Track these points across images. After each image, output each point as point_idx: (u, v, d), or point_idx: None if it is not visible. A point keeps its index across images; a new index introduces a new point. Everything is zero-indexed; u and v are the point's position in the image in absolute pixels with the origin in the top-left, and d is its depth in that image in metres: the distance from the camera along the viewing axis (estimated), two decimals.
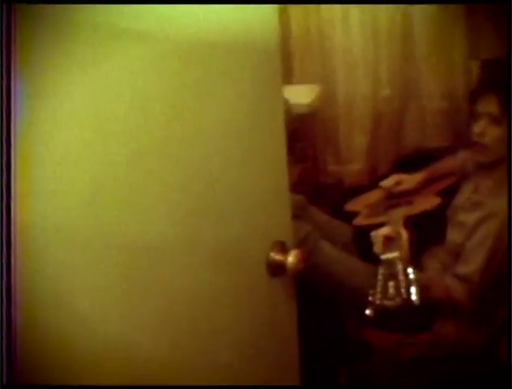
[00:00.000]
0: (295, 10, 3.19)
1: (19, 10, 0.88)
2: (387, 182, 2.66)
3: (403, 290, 1.44)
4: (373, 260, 1.80)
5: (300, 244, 2.10)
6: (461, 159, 2.55)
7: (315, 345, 2.08)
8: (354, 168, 3.29)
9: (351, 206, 2.67)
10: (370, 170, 3.27)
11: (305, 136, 3.24)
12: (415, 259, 2.12)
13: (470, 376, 2.08)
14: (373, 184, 2.81)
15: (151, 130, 1.13)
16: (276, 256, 1.37)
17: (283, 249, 1.38)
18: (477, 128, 2.14)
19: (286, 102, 2.33)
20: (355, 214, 2.57)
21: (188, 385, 1.22)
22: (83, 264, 1.04)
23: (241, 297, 1.37)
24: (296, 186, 2.85)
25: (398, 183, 2.62)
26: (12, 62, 0.86)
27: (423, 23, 3.12)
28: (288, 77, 3.24)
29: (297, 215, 2.33)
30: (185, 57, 1.17)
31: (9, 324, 0.90)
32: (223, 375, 1.35)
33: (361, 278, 2.03)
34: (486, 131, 2.11)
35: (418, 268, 2.10)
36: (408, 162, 3.18)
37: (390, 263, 1.59)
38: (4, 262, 0.88)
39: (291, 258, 1.35)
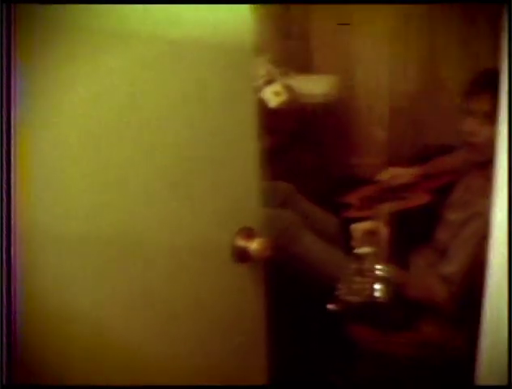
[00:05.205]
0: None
1: (18, 10, 0.90)
2: (383, 176, 2.67)
3: (367, 287, 1.45)
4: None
5: (282, 233, 2.12)
6: (460, 157, 2.54)
7: (293, 339, 2.11)
8: (371, 161, 3.31)
9: (347, 198, 2.69)
10: (387, 164, 3.29)
11: (319, 126, 3.26)
12: (401, 257, 2.13)
13: (453, 378, 2.08)
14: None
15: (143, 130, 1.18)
16: (241, 242, 1.39)
17: (250, 235, 1.40)
18: (467, 126, 2.14)
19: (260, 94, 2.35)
20: (348, 206, 2.59)
21: (187, 385, 1.32)
22: (82, 264, 1.10)
23: (206, 282, 1.39)
24: (305, 175, 2.88)
25: (393, 177, 2.62)
26: (12, 62, 0.90)
27: (446, 21, 3.11)
28: (306, 67, 3.29)
29: (283, 203, 2.36)
30: (174, 56, 1.22)
31: (9, 324, 0.93)
32: (185, 362, 1.39)
33: (341, 271, 2.04)
34: (477, 130, 2.11)
35: (403, 266, 2.12)
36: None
37: (362, 259, 1.61)
38: (4, 262, 0.91)
39: (255, 245, 1.37)
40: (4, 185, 0.90)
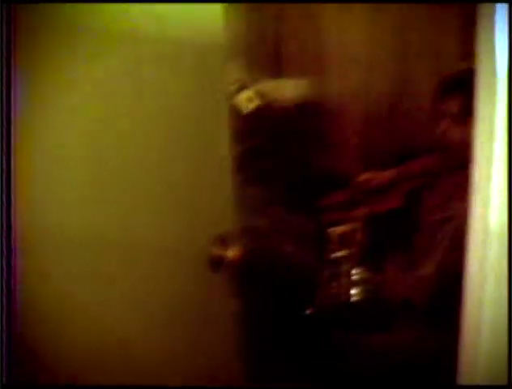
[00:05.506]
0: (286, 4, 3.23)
1: (19, 10, 0.90)
2: (359, 179, 2.68)
3: (344, 290, 1.45)
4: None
5: (258, 239, 2.12)
6: (436, 159, 2.55)
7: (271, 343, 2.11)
8: (347, 165, 3.31)
9: (323, 202, 2.69)
10: (363, 167, 3.29)
11: (294, 131, 3.27)
12: (377, 260, 2.14)
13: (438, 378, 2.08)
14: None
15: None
16: (216, 250, 1.38)
17: (226, 243, 1.40)
18: (442, 128, 2.15)
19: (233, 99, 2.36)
20: (324, 210, 2.59)
21: (187, 385, 1.33)
22: (81, 264, 1.11)
23: (184, 287, 1.38)
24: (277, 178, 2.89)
25: (369, 180, 2.63)
26: (12, 62, 0.89)
27: (420, 22, 3.13)
28: (280, 71, 3.29)
29: (258, 209, 2.35)
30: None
31: (9, 325, 0.93)
32: (161, 363, 1.38)
33: (319, 276, 2.04)
34: (449, 132, 2.12)
35: (380, 269, 2.13)
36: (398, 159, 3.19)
37: (339, 262, 1.61)
38: (4, 262, 0.92)
39: (230, 253, 1.37)
40: (4, 186, 0.90)
